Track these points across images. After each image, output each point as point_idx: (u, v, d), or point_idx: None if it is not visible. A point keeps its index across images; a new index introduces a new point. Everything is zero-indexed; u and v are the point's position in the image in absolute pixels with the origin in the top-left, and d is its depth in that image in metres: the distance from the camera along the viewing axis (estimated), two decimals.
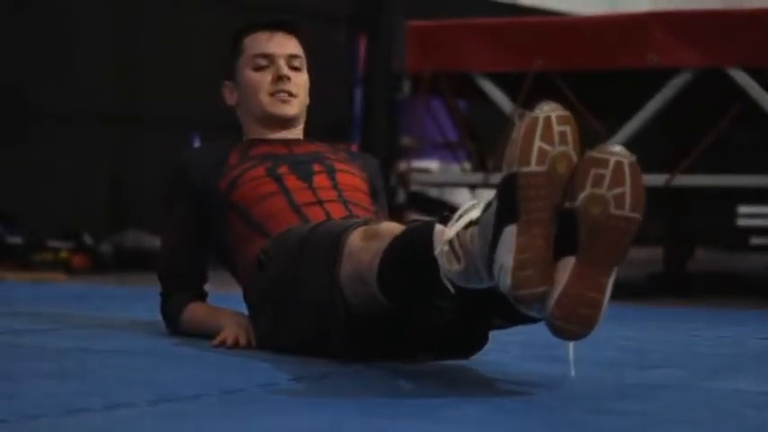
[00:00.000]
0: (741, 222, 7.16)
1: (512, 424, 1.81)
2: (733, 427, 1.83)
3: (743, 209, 7.14)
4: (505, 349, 2.44)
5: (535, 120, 1.96)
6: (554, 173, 1.95)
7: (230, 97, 2.99)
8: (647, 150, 5.21)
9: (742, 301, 4.77)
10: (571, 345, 2.02)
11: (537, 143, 1.95)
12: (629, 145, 4.74)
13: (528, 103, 4.79)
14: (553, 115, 1.97)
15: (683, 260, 5.88)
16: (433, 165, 6.70)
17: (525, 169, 1.95)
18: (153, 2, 7.10)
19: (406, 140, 5.16)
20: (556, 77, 4.66)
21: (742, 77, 4.51)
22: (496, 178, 4.86)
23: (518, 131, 1.97)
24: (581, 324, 1.95)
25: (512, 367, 2.39)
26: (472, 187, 6.00)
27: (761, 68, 4.51)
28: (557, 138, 1.96)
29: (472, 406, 1.93)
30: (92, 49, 6.86)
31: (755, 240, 7.49)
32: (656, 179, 4.56)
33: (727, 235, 7.51)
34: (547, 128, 1.96)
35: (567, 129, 1.97)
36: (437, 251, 2.05)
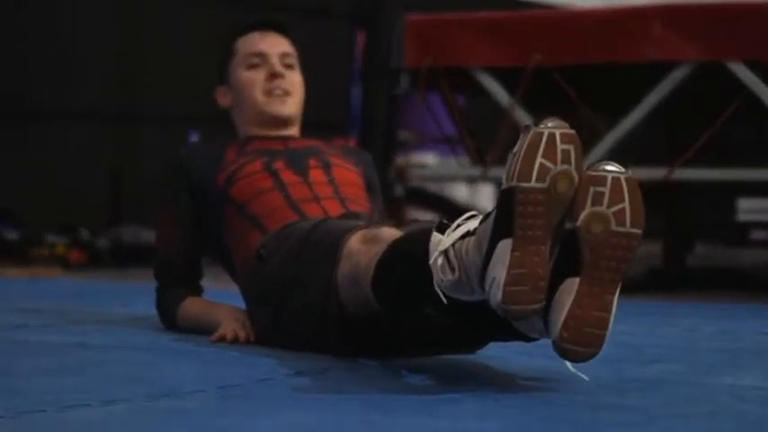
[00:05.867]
0: (741, 217, 7.16)
1: (511, 419, 1.80)
2: (732, 422, 1.83)
3: (743, 203, 7.13)
4: (505, 344, 2.43)
5: (539, 135, 1.92)
6: (554, 191, 1.92)
7: (224, 99, 2.99)
8: (647, 144, 5.22)
9: (742, 296, 4.76)
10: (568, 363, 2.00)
11: (539, 159, 1.91)
12: (628, 139, 4.77)
13: (526, 98, 4.79)
14: (557, 132, 1.93)
15: (683, 255, 5.88)
16: (430, 159, 6.70)
17: (525, 185, 1.91)
18: (152, 0, 7.10)
19: (404, 135, 5.16)
20: (554, 72, 4.66)
21: (742, 71, 4.50)
22: (494, 173, 4.91)
23: (521, 146, 1.93)
24: (589, 344, 1.92)
25: (511, 362, 2.39)
26: (470, 181, 6.00)
27: (761, 62, 4.50)
28: (560, 156, 1.92)
29: (472, 401, 1.93)
30: (91, 46, 6.86)
31: (755, 235, 7.49)
32: (656, 173, 4.56)
33: (727, 229, 7.51)
34: (550, 145, 1.92)
35: (571, 148, 1.93)
36: (432, 260, 2.02)
